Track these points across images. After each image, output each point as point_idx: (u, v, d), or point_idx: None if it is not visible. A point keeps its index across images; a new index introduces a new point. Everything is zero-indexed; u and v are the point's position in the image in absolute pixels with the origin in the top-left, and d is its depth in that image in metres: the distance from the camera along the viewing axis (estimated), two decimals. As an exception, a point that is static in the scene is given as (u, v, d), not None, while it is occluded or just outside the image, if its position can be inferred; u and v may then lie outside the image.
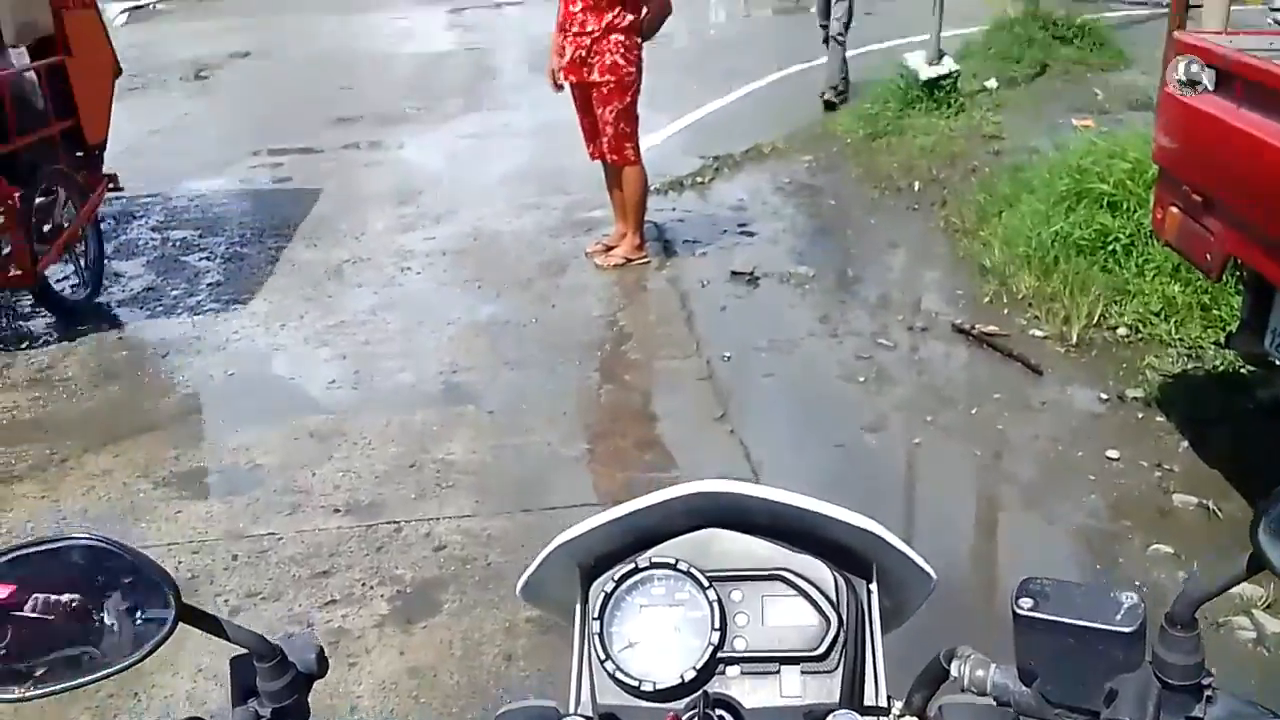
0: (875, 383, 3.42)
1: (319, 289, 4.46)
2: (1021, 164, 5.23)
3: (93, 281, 4.35)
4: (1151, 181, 3.76)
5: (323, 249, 4.96)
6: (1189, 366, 3.35)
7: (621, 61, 4.17)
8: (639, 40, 4.23)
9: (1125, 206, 3.92)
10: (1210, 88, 2.58)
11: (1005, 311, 3.85)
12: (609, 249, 4.57)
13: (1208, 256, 2.62)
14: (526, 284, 4.38)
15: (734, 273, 4.39)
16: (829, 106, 7.10)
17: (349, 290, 4.44)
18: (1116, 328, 3.59)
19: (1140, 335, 3.53)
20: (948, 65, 6.63)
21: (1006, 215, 4.43)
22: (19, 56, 4.04)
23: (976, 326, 3.70)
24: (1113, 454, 2.89)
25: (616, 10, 4.11)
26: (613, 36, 4.14)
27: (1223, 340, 3.05)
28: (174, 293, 4.47)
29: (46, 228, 3.97)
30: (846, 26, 7.06)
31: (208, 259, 4.88)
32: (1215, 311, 3.49)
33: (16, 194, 3.63)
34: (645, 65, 4.32)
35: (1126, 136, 4.38)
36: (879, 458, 3.04)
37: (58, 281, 4.21)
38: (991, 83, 7.21)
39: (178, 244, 5.14)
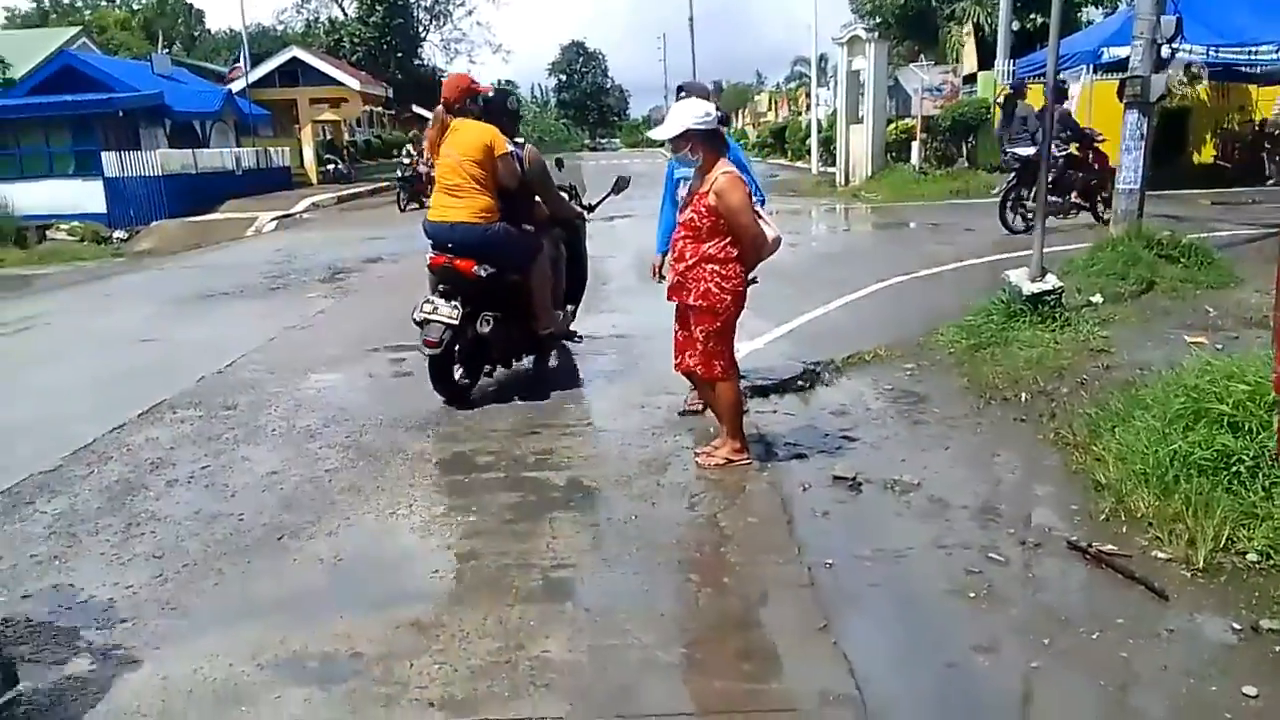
0: (987, 599, 3.27)
1: (430, 477, 4.62)
2: (1133, 380, 5.15)
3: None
4: (1274, 405, 3.66)
5: (435, 439, 5.17)
6: (1331, 598, 3.12)
7: (715, 289, 4.32)
8: (738, 269, 4.37)
9: (1247, 428, 3.79)
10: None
11: (1124, 530, 3.69)
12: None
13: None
14: (627, 482, 4.44)
15: (836, 477, 4.36)
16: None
17: (456, 480, 4.58)
18: (1246, 553, 3.38)
19: (1273, 562, 3.32)
20: (1051, 282, 6.68)
21: (1120, 431, 4.32)
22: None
23: (1094, 545, 3.55)
24: (1250, 690, 2.67)
25: (712, 242, 4.31)
26: (708, 266, 4.33)
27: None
28: (294, 477, 4.69)
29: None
30: None
31: (327, 446, 5.14)
32: (1355, 540, 3.27)
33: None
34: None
35: (1244, 357, 4.28)
36: (994, 681, 2.86)
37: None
38: (1097, 298, 7.21)
39: (302, 431, 5.44)
